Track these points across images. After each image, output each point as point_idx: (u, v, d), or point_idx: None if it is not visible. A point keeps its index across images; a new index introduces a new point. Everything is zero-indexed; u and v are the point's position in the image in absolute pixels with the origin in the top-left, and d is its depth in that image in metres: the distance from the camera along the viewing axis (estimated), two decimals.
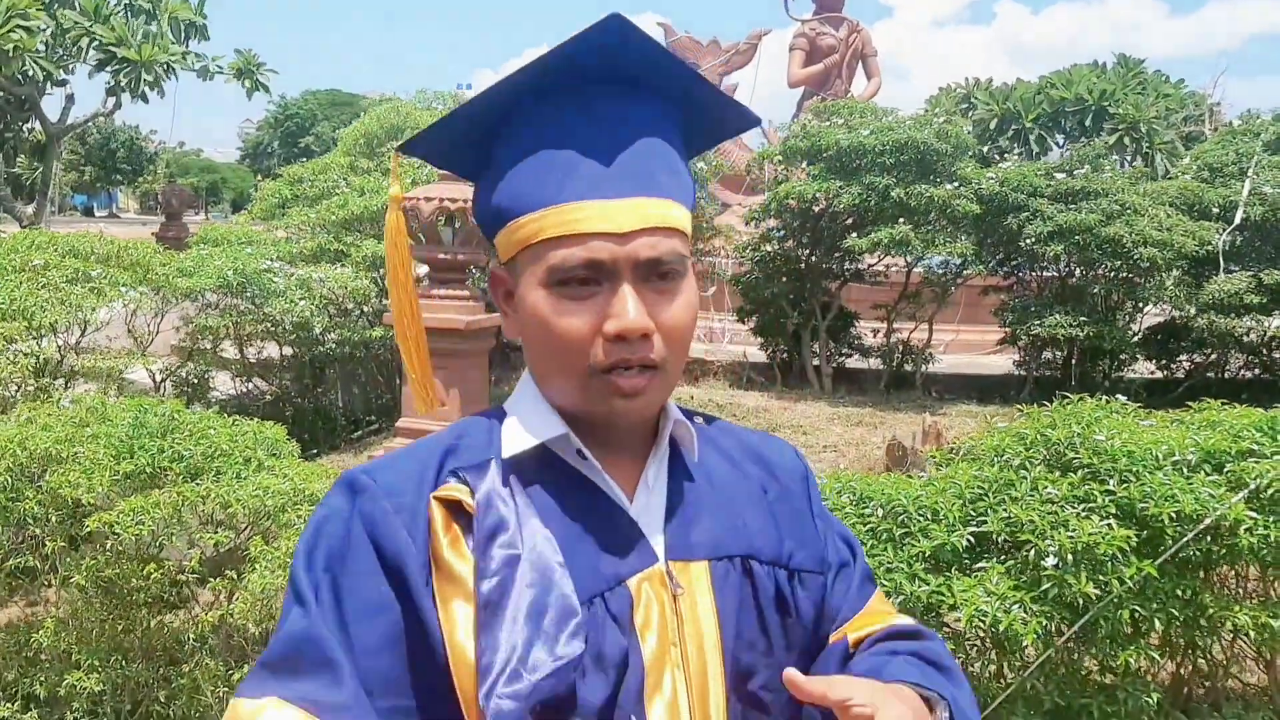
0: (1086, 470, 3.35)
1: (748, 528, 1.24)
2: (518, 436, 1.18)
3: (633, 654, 1.12)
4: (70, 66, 20.64)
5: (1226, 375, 12.00)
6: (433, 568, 1.10)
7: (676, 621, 1.15)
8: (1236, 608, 3.20)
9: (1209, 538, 3.17)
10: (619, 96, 1.15)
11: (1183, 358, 12.04)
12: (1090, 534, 2.99)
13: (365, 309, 9.93)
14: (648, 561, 1.16)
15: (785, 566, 1.24)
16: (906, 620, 1.32)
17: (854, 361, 12.56)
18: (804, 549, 1.28)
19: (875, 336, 12.40)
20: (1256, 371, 12.02)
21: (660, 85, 1.17)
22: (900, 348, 12.13)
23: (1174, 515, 3.09)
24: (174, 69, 20.08)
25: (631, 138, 1.14)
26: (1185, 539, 3.08)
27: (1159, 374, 12.12)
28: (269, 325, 9.35)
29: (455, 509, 1.12)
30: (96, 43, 18.74)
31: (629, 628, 1.12)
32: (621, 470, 1.20)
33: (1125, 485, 3.22)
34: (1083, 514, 3.11)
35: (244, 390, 10.15)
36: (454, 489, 1.12)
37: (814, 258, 12.02)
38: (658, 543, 1.18)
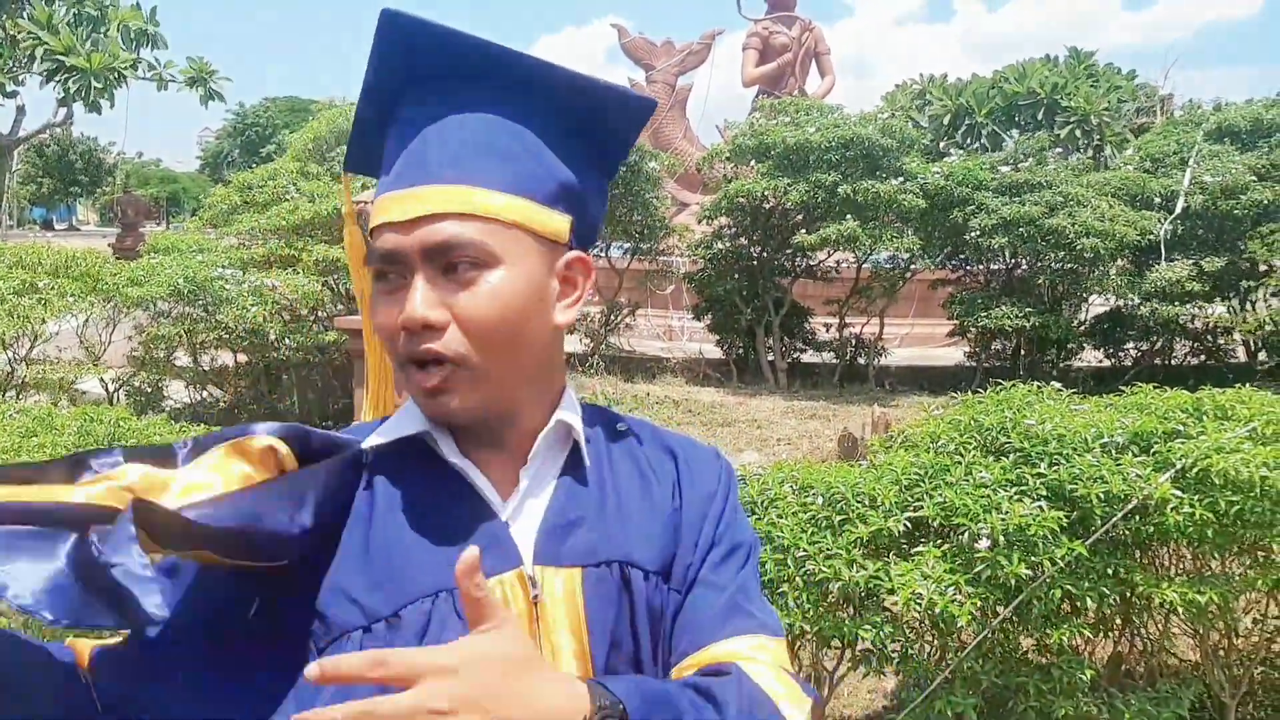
0: (1018, 454, 3.41)
1: (634, 535, 1.16)
2: (386, 430, 1.18)
3: None
4: (20, 77, 20.35)
5: (1172, 362, 12.20)
6: None
7: (536, 628, 1.09)
8: (1165, 585, 3.27)
9: (1137, 517, 3.24)
10: (479, 92, 1.13)
11: (1129, 346, 12.23)
12: (1022, 516, 3.05)
13: (319, 314, 9.90)
14: (509, 564, 1.11)
15: (670, 579, 1.17)
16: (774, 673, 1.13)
17: (808, 356, 12.67)
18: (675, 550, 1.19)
19: (828, 331, 12.52)
20: (1201, 358, 12.23)
21: (496, 74, 1.13)
22: (853, 342, 12.26)
23: (1103, 496, 3.15)
24: (124, 77, 19.85)
25: (456, 129, 1.11)
26: (1113, 519, 3.16)
27: (1107, 362, 12.31)
28: (222, 333, 9.29)
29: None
30: (46, 51, 18.51)
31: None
32: (504, 468, 1.17)
33: (1055, 468, 3.29)
34: (1015, 497, 3.17)
35: (198, 399, 10.08)
36: (269, 439, 1.11)
37: (765, 254, 12.12)
38: (526, 545, 1.13)
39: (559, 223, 1.14)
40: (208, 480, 1.03)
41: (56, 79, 19.16)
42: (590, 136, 1.20)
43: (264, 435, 1.08)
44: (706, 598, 1.16)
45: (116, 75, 19.37)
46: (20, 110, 22.39)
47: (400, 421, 1.19)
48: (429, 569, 1.09)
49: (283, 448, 1.08)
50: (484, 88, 1.13)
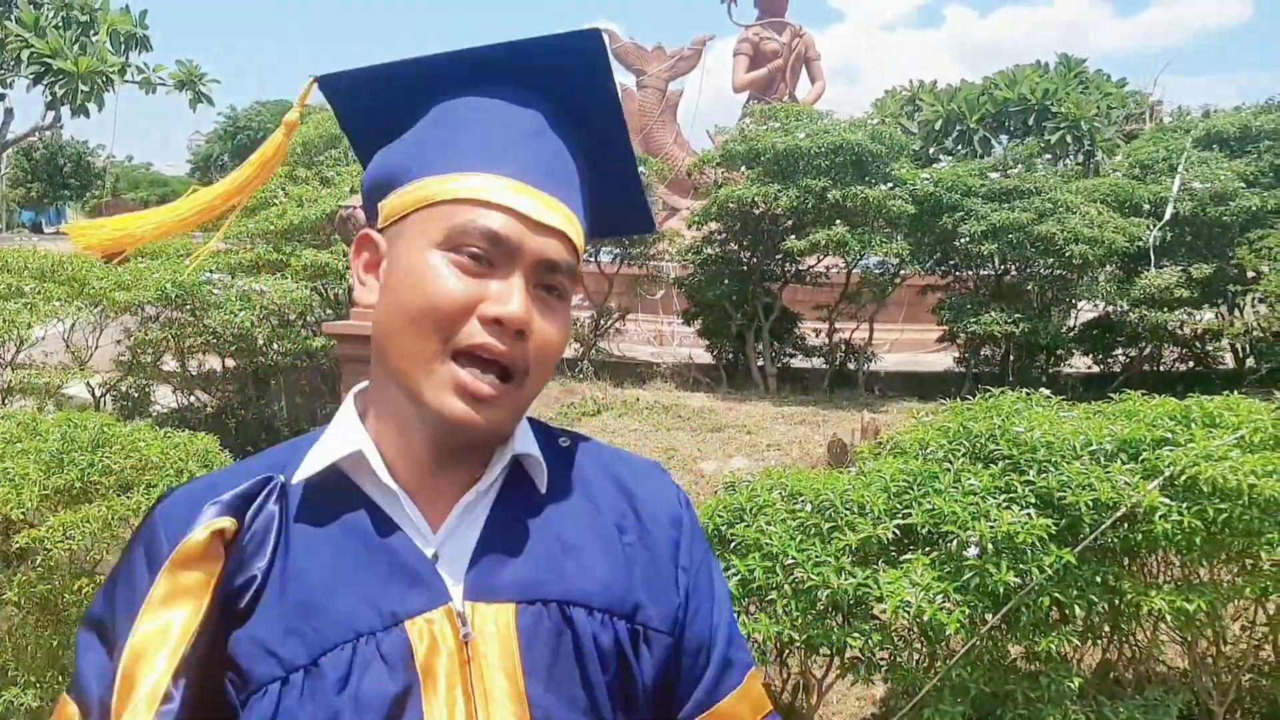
0: (1007, 461, 3.42)
1: (577, 569, 1.10)
2: (314, 457, 1.09)
3: (410, 703, 1.00)
4: (8, 80, 20.27)
5: (1161, 368, 12.23)
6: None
7: (467, 670, 1.03)
8: (1154, 593, 3.27)
9: (1126, 525, 3.24)
10: (562, 115, 1.13)
11: (1118, 352, 12.25)
12: (1010, 523, 3.06)
13: (308, 319, 9.86)
14: (436, 601, 1.04)
15: (627, 618, 1.11)
16: None
17: (798, 361, 12.67)
18: (655, 604, 1.13)
19: (818, 336, 12.52)
20: (1190, 364, 12.26)
21: (597, 125, 1.15)
22: (843, 347, 12.26)
23: (1091, 503, 3.16)
24: (112, 81, 19.77)
25: (567, 155, 1.12)
26: (1102, 526, 3.16)
27: (1096, 368, 12.33)
28: (210, 337, 9.26)
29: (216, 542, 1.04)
30: (33, 54, 18.44)
31: (402, 673, 1.01)
32: (437, 498, 1.09)
33: (1044, 475, 3.29)
34: (1003, 504, 3.18)
35: (186, 403, 10.04)
36: (213, 524, 1.03)
37: (755, 259, 12.12)
38: (456, 581, 1.06)
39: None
40: (163, 625, 0.99)
41: (44, 82, 19.09)
42: (591, 220, 1.20)
43: (200, 531, 1.02)
44: (702, 650, 1.17)
45: (105, 79, 19.31)
46: (8, 113, 22.30)
47: (332, 443, 1.10)
48: (349, 611, 1.02)
49: (224, 524, 1.03)
50: (587, 137, 1.16)
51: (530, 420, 1.19)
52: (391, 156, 1.12)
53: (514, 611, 1.06)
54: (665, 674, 1.13)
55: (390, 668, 1.01)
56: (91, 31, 19.66)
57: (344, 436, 1.10)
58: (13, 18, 19.04)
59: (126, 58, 20.48)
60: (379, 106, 1.15)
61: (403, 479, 1.08)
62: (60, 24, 19.12)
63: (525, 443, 1.14)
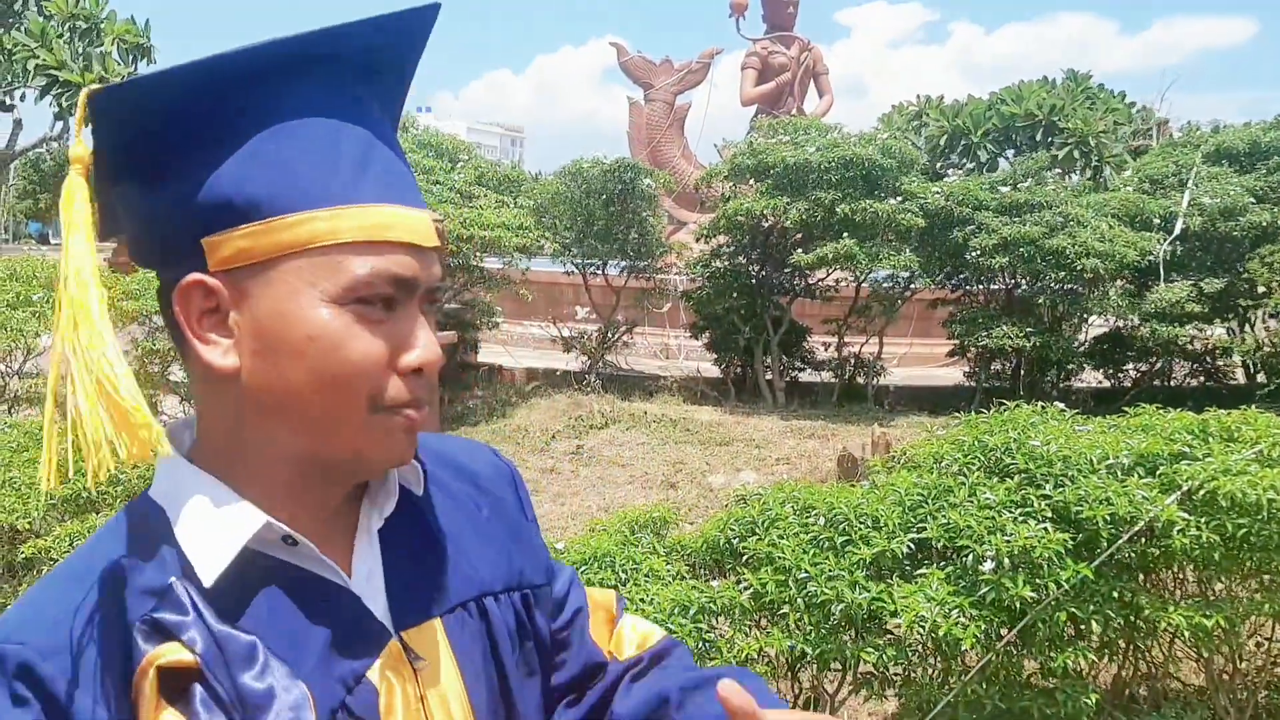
0: (1023, 475, 3.38)
1: (470, 561, 1.07)
2: (207, 548, 0.89)
3: None
4: (18, 91, 20.36)
5: (1172, 383, 12.19)
6: None
7: (418, 698, 0.97)
8: (1171, 609, 3.24)
9: (1144, 540, 3.21)
10: (382, 96, 0.99)
11: (1129, 367, 12.22)
12: (1027, 538, 3.03)
13: None
14: (383, 641, 0.97)
15: (520, 588, 1.11)
16: (643, 625, 1.25)
17: (806, 375, 12.65)
18: (529, 561, 1.14)
19: (827, 350, 12.50)
20: (1201, 379, 12.21)
21: (397, 103, 1.02)
22: (852, 361, 12.24)
23: (1108, 518, 3.13)
24: None
25: (386, 141, 0.96)
26: (1119, 541, 3.12)
27: (1106, 383, 12.29)
28: None
29: (172, 676, 0.84)
30: (40, 65, 18.52)
31: None
32: (333, 540, 0.98)
33: (1061, 489, 3.26)
34: (1019, 518, 3.15)
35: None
36: (170, 649, 0.84)
37: (764, 273, 12.11)
38: (383, 615, 0.98)
39: None
40: None
41: (52, 93, 19.17)
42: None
43: (148, 666, 0.84)
44: (574, 598, 1.21)
45: None
46: (17, 124, 22.40)
47: (212, 524, 0.91)
48: (321, 689, 0.91)
49: (181, 656, 0.85)
50: (392, 108, 1.01)
51: None
52: (224, 184, 0.88)
53: (440, 625, 1.02)
54: (552, 617, 1.17)
55: None
56: (97, 44, 19.74)
57: (229, 508, 0.91)
58: (22, 29, 19.14)
59: (135, 68, 20.56)
60: (180, 121, 0.90)
61: (302, 532, 0.94)
62: (67, 35, 19.22)
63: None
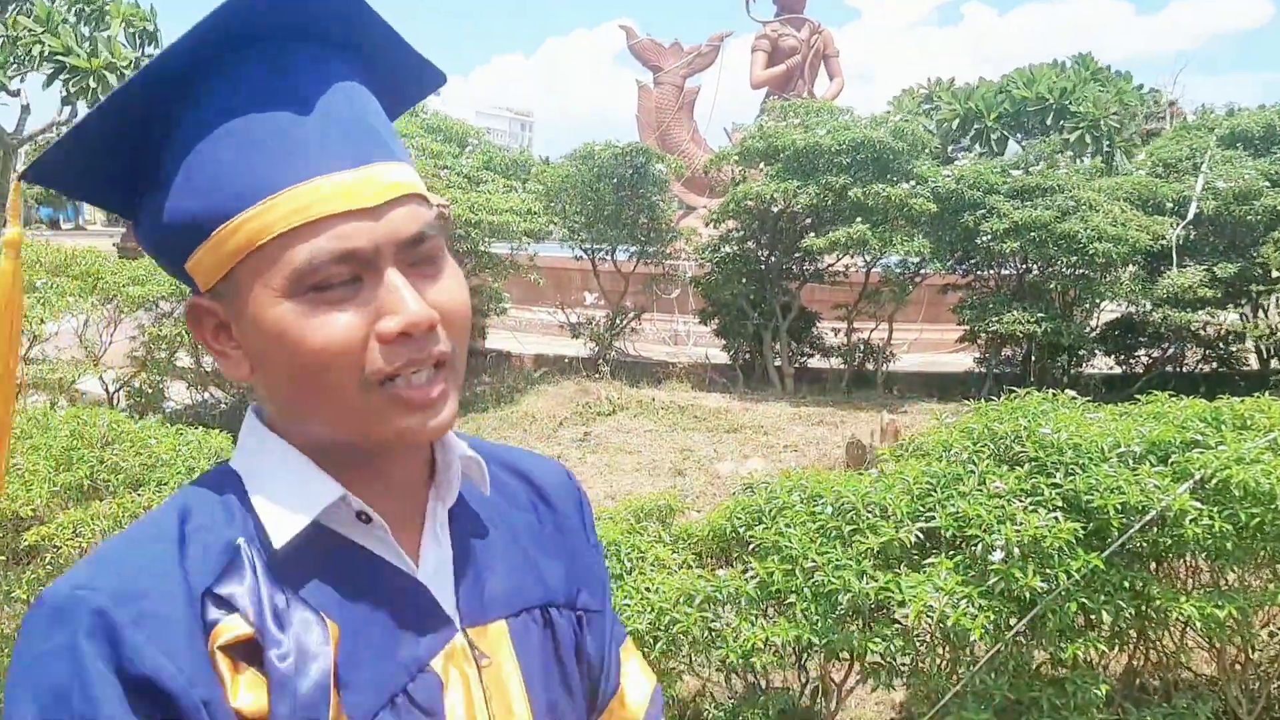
0: (1033, 464, 3.35)
1: (538, 568, 1.07)
2: (281, 515, 0.91)
3: None
4: (24, 76, 20.37)
5: (1184, 369, 12.11)
6: None
7: (484, 697, 0.97)
8: (1183, 599, 3.21)
9: (1155, 529, 3.18)
10: (313, 52, 0.92)
11: (1141, 352, 12.14)
12: (1037, 527, 2.99)
13: None
14: (448, 634, 0.96)
15: (573, 608, 1.09)
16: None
17: (815, 361, 12.59)
18: (587, 585, 1.12)
19: (836, 336, 12.43)
20: (1214, 365, 12.13)
21: (352, 38, 0.95)
22: (861, 347, 12.18)
23: (1119, 507, 3.10)
24: (126, 77, 19.83)
25: (343, 96, 0.91)
26: (1131, 531, 3.09)
27: (1118, 369, 12.22)
28: None
29: (240, 651, 0.85)
30: (47, 51, 18.54)
31: (440, 717, 0.94)
32: (401, 524, 0.97)
33: (1071, 478, 3.23)
34: (1029, 507, 3.12)
35: (200, 400, 10.03)
36: (230, 627, 0.84)
37: (773, 258, 12.05)
38: (452, 608, 0.98)
39: None
40: None
41: (59, 78, 19.18)
42: (391, 108, 1.02)
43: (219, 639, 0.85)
44: (612, 634, 1.16)
45: (118, 75, 19.37)
46: (25, 109, 22.42)
47: (294, 490, 0.92)
48: (381, 673, 0.91)
49: (242, 630, 0.86)
50: (351, 55, 0.95)
51: None
52: (170, 209, 0.89)
53: (507, 627, 1.01)
54: (602, 649, 1.13)
55: (430, 716, 0.93)
56: (103, 27, 19.73)
57: (306, 478, 0.93)
58: (29, 13, 19.15)
59: (142, 52, 20.55)
60: (118, 152, 0.91)
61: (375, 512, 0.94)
62: (73, 20, 19.23)
63: (461, 445, 1.02)
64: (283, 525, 0.90)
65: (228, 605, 0.85)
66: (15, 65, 19.55)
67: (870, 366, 12.12)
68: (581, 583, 1.11)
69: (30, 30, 18.47)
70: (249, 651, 0.85)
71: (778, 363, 12.04)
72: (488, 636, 0.99)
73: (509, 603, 1.02)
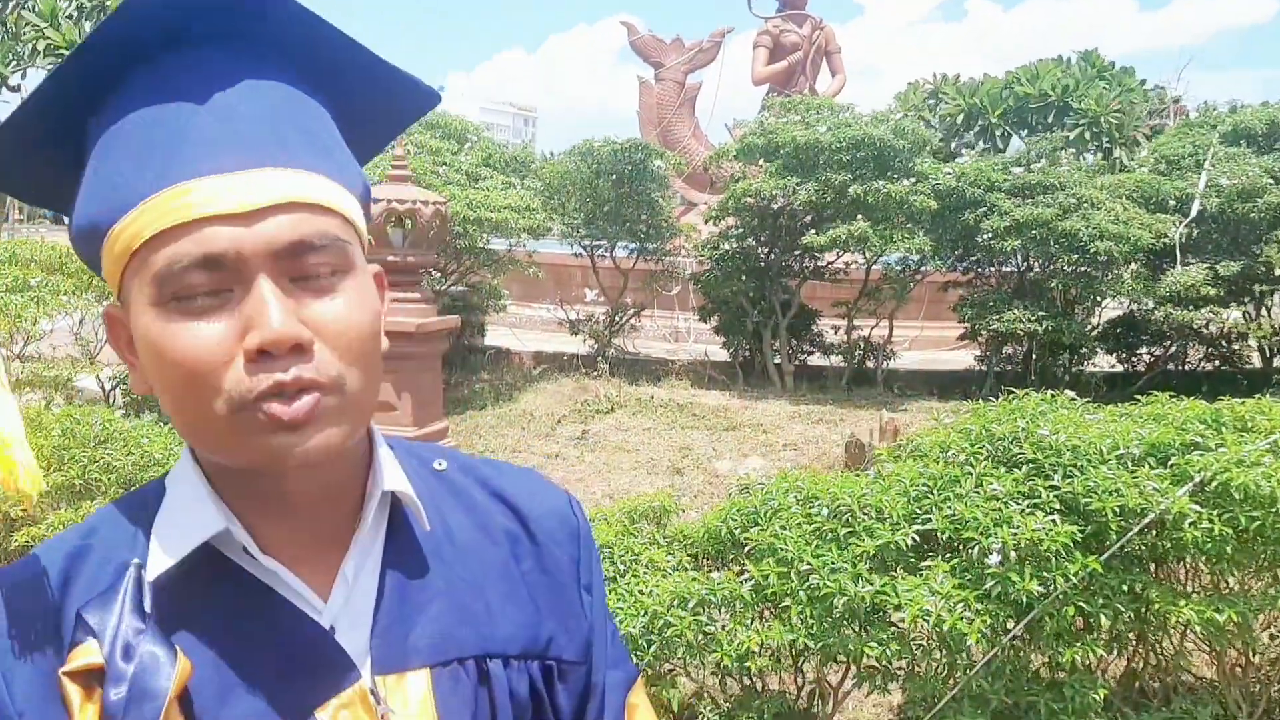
0: (1031, 465, 3.32)
1: (485, 615, 0.97)
2: (168, 542, 0.87)
3: None
4: (24, 71, 20.34)
5: (1186, 368, 12.07)
6: None
7: None
8: (1183, 603, 3.18)
9: (1154, 532, 3.15)
10: (234, 53, 0.86)
11: (1143, 351, 12.11)
12: (1034, 530, 2.96)
13: None
14: (347, 680, 0.88)
15: (542, 657, 0.99)
16: None
17: (815, 359, 12.57)
18: (566, 632, 1.02)
19: (836, 334, 12.40)
20: (1216, 364, 12.09)
21: (291, 44, 0.89)
22: (861, 345, 12.15)
23: (1118, 510, 3.07)
24: None
25: (256, 98, 0.85)
26: (1129, 534, 3.06)
27: (1120, 367, 12.19)
28: None
29: (95, 678, 0.81)
30: (50, 46, 18.52)
31: None
32: (315, 559, 0.91)
33: (1069, 480, 3.20)
34: (1027, 510, 3.09)
35: None
36: (83, 653, 0.81)
37: (773, 255, 12.02)
38: (361, 653, 0.90)
39: (363, 225, 0.92)
40: None
41: None
42: (371, 128, 0.99)
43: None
44: (608, 683, 1.06)
45: None
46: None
47: (184, 519, 0.88)
48: (255, 716, 0.85)
49: (92, 657, 0.82)
50: (286, 61, 0.89)
51: (398, 444, 1.03)
52: (77, 214, 0.88)
53: (429, 677, 0.92)
54: (582, 705, 1.03)
55: None
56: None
57: (198, 506, 0.88)
58: (31, 9, 19.11)
59: None
60: (44, 152, 0.90)
61: (274, 546, 0.89)
62: (75, 15, 19.20)
63: (393, 477, 0.95)
64: (165, 554, 0.86)
65: (89, 630, 0.82)
66: (15, 61, 19.53)
67: (870, 364, 12.09)
68: (559, 629, 1.02)
69: (33, 25, 18.44)
70: (102, 680, 0.81)
71: (777, 360, 12.01)
72: (403, 686, 0.91)
73: (436, 650, 0.93)
